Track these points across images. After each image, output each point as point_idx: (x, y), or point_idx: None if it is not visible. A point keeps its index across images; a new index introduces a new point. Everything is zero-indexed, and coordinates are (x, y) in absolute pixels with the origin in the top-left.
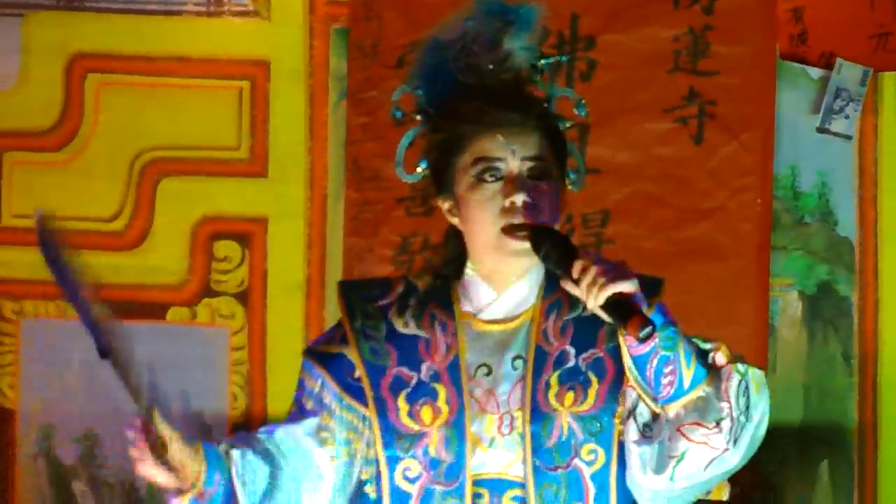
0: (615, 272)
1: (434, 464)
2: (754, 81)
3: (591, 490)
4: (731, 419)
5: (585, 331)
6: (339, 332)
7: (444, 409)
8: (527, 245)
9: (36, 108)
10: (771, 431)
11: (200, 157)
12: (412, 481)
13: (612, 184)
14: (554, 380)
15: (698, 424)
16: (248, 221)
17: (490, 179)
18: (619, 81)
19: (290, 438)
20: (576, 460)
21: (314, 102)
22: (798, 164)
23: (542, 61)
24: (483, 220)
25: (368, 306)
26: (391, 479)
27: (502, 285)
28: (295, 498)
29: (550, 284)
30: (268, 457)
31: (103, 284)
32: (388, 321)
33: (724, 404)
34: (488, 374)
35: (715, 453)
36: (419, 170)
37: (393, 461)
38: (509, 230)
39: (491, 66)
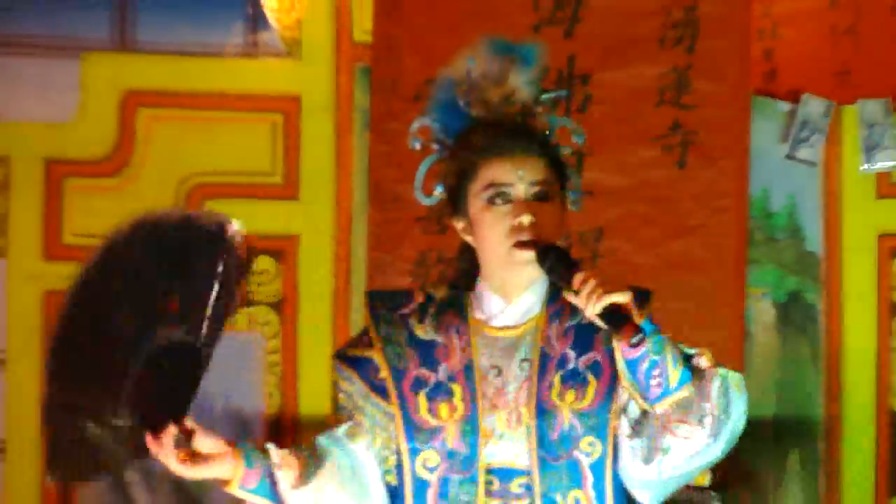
0: (611, 284)
1: (451, 455)
2: (731, 114)
3: (590, 478)
4: (713, 417)
5: (584, 336)
6: (366, 338)
7: (460, 406)
8: (533, 259)
9: (93, 140)
10: (747, 424)
11: (239, 182)
12: (431, 470)
13: (605, 204)
14: (557, 380)
15: (683, 421)
16: (282, 239)
17: (500, 202)
18: (611, 113)
19: (332, 439)
20: (576, 451)
21: (340, 133)
22: (770, 186)
23: (545, 96)
24: (494, 238)
25: (392, 314)
26: (412, 468)
27: (511, 296)
28: (343, 489)
29: (553, 295)
30: (310, 455)
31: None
32: (409, 328)
33: (707, 404)
34: (498, 374)
35: (698, 447)
36: (436, 193)
37: (414, 452)
38: (517, 246)
39: (499, 100)
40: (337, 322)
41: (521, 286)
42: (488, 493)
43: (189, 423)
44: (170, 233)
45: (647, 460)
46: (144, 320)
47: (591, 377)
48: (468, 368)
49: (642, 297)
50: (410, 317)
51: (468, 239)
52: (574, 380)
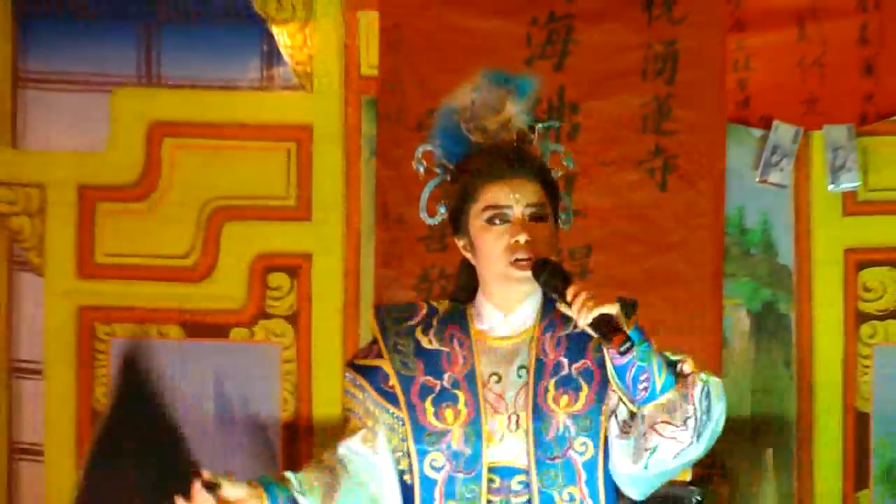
0: (601, 296)
1: (456, 455)
2: (708, 139)
3: (583, 475)
4: (696, 419)
5: (576, 345)
6: (375, 348)
7: (464, 410)
8: (529, 274)
9: (122, 167)
10: (725, 424)
11: (256, 204)
12: (438, 470)
13: (593, 223)
14: (551, 385)
15: (668, 422)
16: (296, 257)
17: (498, 223)
18: (598, 140)
19: (348, 450)
20: (570, 451)
21: (349, 159)
22: (744, 205)
23: (540, 124)
24: (493, 255)
25: (399, 326)
26: (421, 469)
27: (508, 308)
28: (363, 491)
29: (547, 307)
30: (327, 469)
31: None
32: (415, 338)
33: (690, 406)
34: (499, 381)
35: (681, 446)
36: (439, 214)
37: (422, 454)
38: (515, 263)
39: (496, 127)
40: (347, 333)
41: (518, 299)
42: (490, 491)
43: (207, 475)
44: None
45: (636, 458)
46: None
47: (583, 382)
48: (471, 376)
49: (629, 307)
50: (416, 328)
51: (468, 256)
52: (567, 385)
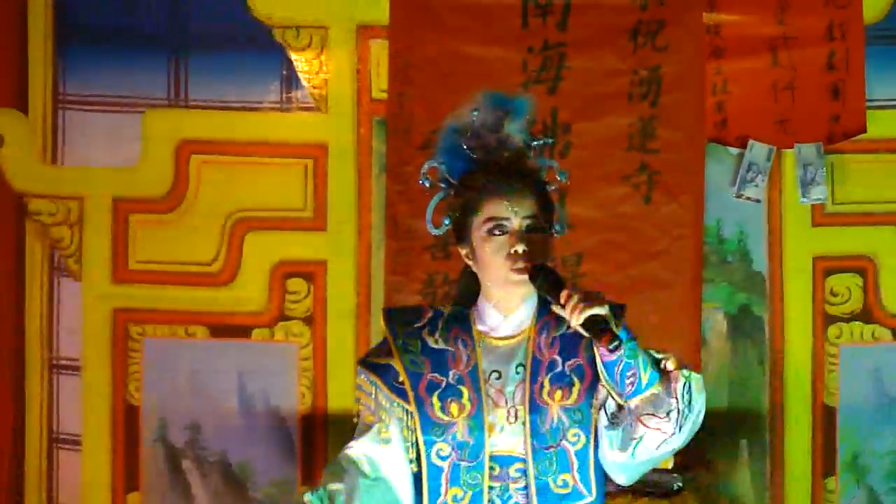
0: (592, 299)
1: (460, 445)
2: (689, 157)
3: (576, 463)
4: (678, 411)
5: (569, 344)
6: (385, 347)
7: (468, 405)
8: (526, 279)
9: (153, 182)
10: (704, 416)
11: (276, 216)
12: (443, 459)
13: (584, 233)
14: (547, 381)
15: (653, 415)
16: (312, 264)
17: (498, 234)
18: (588, 157)
19: (361, 449)
20: (563, 441)
21: (361, 175)
22: (722, 218)
23: (536, 142)
24: (494, 263)
25: (407, 328)
26: (428, 458)
27: (507, 310)
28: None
29: (542, 309)
30: (344, 473)
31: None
32: (422, 339)
33: (673, 400)
34: (499, 377)
35: (665, 437)
36: (443, 225)
37: (429, 444)
38: (513, 270)
39: (496, 145)
40: (359, 334)
41: (516, 302)
42: (491, 478)
43: None
44: None
45: (623, 447)
46: None
47: (575, 379)
48: (474, 373)
49: (618, 310)
50: (423, 330)
51: (470, 263)
52: (561, 381)
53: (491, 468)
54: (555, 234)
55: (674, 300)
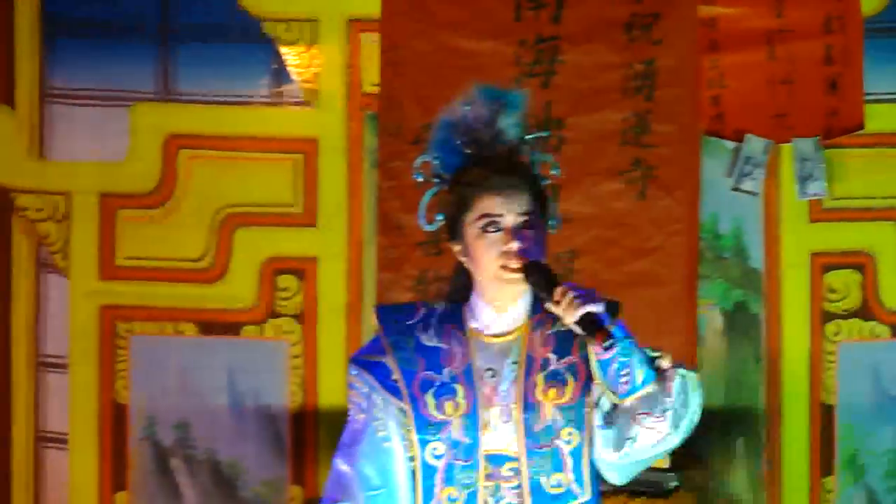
0: (586, 296)
1: (455, 444)
2: (684, 151)
3: (569, 463)
4: (673, 410)
5: (563, 342)
6: (378, 345)
7: (462, 403)
8: (520, 276)
9: (141, 177)
10: (700, 415)
11: (266, 212)
12: (438, 458)
13: (578, 230)
14: (540, 379)
15: (648, 414)
16: (303, 260)
17: (492, 230)
18: (582, 152)
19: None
20: (557, 440)
21: (352, 170)
22: (718, 213)
23: (529, 136)
24: (487, 260)
25: (400, 325)
26: (422, 456)
27: (501, 308)
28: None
29: (536, 307)
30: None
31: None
32: (415, 336)
33: (668, 399)
34: (493, 376)
35: (660, 436)
36: (436, 221)
37: (423, 443)
38: (507, 268)
39: (489, 140)
40: (350, 331)
41: (510, 299)
42: (484, 477)
43: None
44: None
45: (617, 447)
46: None
47: (569, 377)
48: (468, 371)
49: (612, 307)
50: (416, 327)
51: (463, 260)
52: (555, 379)
53: (484, 467)
54: (549, 230)
55: (669, 297)
